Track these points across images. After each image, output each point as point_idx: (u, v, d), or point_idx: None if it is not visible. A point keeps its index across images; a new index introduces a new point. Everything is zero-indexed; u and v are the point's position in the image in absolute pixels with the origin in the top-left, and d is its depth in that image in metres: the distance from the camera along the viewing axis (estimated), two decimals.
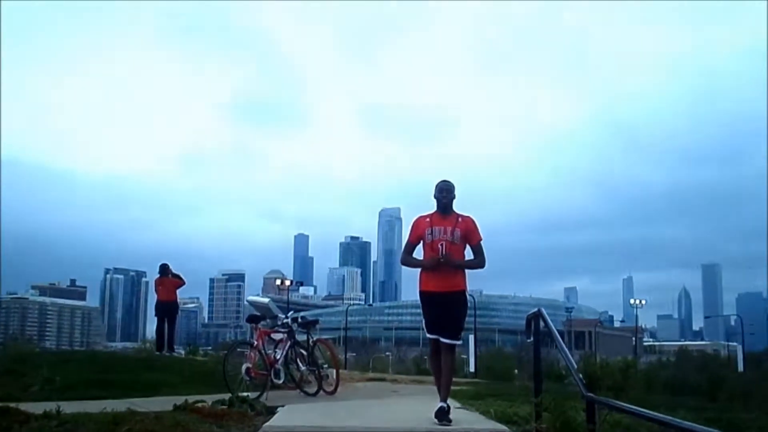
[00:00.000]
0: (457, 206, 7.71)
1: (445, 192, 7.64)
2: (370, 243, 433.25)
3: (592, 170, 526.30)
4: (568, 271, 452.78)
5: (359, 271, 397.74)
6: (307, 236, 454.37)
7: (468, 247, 7.56)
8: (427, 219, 7.63)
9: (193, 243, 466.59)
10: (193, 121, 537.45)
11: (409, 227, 7.74)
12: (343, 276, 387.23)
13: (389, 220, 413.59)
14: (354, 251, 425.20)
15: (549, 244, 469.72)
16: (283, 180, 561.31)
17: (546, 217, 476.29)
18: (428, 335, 7.55)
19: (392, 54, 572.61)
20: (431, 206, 7.74)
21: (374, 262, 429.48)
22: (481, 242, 7.58)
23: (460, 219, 7.59)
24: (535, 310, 7.44)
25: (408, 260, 7.59)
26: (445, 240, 7.47)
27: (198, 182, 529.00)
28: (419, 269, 7.52)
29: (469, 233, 7.55)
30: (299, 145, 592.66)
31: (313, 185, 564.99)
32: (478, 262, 7.55)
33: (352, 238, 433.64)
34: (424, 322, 7.55)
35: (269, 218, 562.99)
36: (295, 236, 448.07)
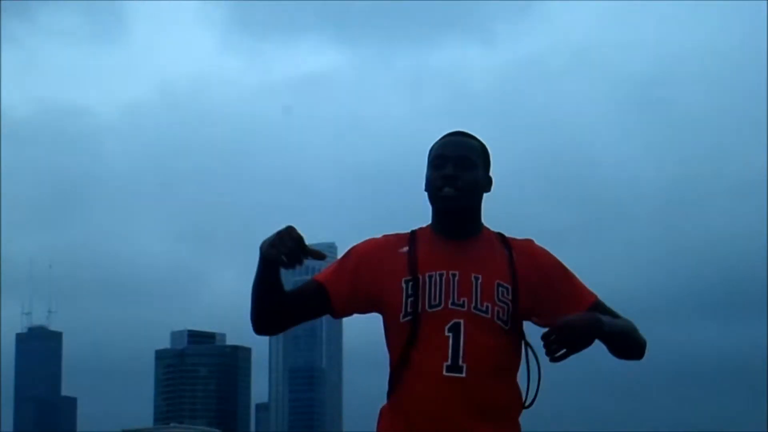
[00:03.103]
0: (491, 218, 2.70)
1: (458, 167, 2.69)
2: (249, 350, 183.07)
3: None
4: None
5: None
6: (60, 335, 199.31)
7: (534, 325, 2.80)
8: (404, 249, 2.74)
9: None
10: None
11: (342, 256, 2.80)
12: None
13: (298, 282, 42.71)
14: (194, 376, 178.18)
15: None
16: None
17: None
18: None
19: None
20: (416, 219, 2.52)
21: (260, 406, 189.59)
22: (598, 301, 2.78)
23: (511, 251, 2.76)
24: None
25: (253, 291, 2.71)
26: (463, 312, 2.62)
27: None
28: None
29: (555, 284, 2.74)
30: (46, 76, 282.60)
31: (85, 190, 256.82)
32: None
33: (195, 336, 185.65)
34: None
35: None
36: (20, 336, 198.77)
